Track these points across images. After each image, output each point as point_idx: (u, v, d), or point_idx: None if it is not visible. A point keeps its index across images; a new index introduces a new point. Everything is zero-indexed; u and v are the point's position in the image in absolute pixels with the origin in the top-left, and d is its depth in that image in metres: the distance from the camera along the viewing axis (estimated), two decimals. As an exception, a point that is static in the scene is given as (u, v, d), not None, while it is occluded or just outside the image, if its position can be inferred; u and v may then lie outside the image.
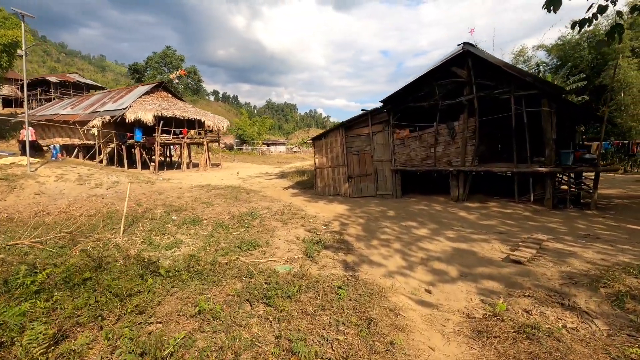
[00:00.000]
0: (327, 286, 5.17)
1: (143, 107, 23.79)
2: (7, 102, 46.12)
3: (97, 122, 23.56)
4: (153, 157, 34.90)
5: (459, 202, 12.22)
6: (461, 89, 12.07)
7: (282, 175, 22.64)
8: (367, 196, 13.86)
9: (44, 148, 24.30)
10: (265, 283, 5.06)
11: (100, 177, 15.80)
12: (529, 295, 5.15)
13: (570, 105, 12.31)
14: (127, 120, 23.16)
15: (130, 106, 23.81)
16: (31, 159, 16.16)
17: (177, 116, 25.03)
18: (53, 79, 45.60)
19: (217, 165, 31.06)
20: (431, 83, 12.48)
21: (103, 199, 13.40)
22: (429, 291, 5.62)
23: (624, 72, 25.57)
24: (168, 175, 23.16)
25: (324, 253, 7.51)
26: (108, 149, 24.50)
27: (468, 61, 11.57)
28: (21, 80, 45.52)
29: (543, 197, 11.11)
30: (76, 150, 26.92)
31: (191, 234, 8.89)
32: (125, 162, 24.28)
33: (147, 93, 26.19)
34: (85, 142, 25.82)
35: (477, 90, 11.64)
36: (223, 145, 62.62)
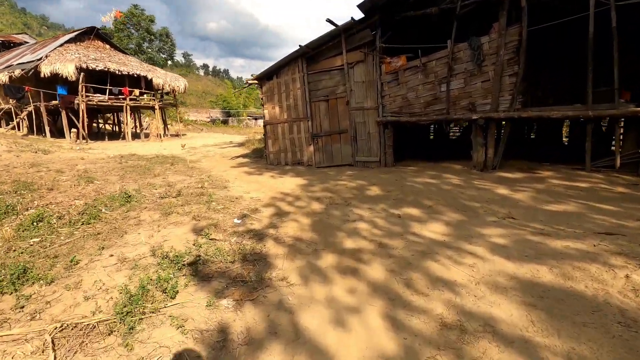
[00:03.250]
0: None
1: (63, 58, 18.37)
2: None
3: (1, 76, 18.20)
4: (105, 124, 29.57)
5: (486, 170, 7.50)
6: (495, -22, 7.05)
7: (243, 144, 17.73)
8: (341, 165, 9.09)
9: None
10: None
11: (-46, 143, 10.84)
12: None
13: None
14: (42, 75, 17.80)
15: (47, 56, 18.36)
16: None
17: (112, 70, 19.62)
18: (-6, 39, 39.17)
19: (177, 135, 25.95)
20: (444, -30, 7.42)
21: None
22: None
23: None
24: (98, 145, 18.14)
25: (184, 297, 2.86)
26: (24, 113, 19.25)
27: None
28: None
29: (634, 161, 6.41)
30: (-3, 117, 21.62)
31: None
32: (47, 129, 19.11)
33: (72, 41, 20.58)
34: (4, 105, 20.53)
35: (526, -25, 6.65)
36: (208, 119, 56.78)
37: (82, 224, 4.79)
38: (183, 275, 3.26)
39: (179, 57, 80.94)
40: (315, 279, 3.20)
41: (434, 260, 3.41)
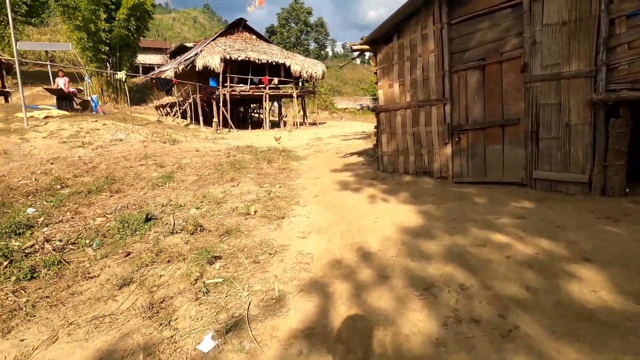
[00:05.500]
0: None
1: (212, 51, 19.42)
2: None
3: (169, 72, 20.67)
4: (253, 113, 31.63)
5: None
6: None
7: (369, 136, 14.84)
8: (501, 183, 5.12)
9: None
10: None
11: (103, 134, 11.91)
12: None
13: None
14: (197, 68, 19.29)
15: (201, 50, 19.81)
16: (60, 111, 13.73)
17: (253, 59, 19.75)
18: (190, 45, 47.90)
19: (314, 124, 25.14)
20: None
21: (66, 160, 9.11)
22: None
23: None
24: (233, 134, 18.60)
25: None
26: (186, 104, 21.60)
27: None
28: (168, 48, 49.32)
29: None
30: (175, 108, 25.46)
31: None
32: (201, 118, 20.90)
33: (223, 34, 21.76)
34: (179, 98, 23.84)
35: None
36: (358, 107, 56.11)
37: (18, 279, 2.98)
38: None
39: (338, 49, 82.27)
40: None
41: None
